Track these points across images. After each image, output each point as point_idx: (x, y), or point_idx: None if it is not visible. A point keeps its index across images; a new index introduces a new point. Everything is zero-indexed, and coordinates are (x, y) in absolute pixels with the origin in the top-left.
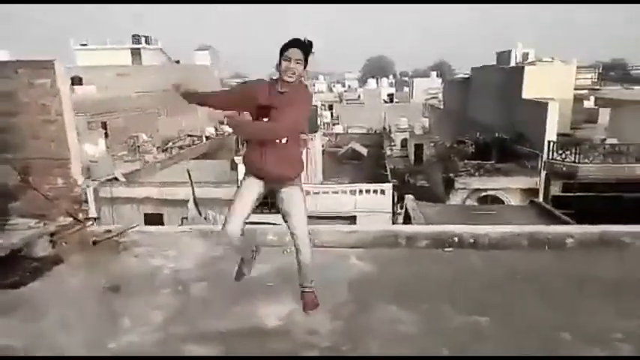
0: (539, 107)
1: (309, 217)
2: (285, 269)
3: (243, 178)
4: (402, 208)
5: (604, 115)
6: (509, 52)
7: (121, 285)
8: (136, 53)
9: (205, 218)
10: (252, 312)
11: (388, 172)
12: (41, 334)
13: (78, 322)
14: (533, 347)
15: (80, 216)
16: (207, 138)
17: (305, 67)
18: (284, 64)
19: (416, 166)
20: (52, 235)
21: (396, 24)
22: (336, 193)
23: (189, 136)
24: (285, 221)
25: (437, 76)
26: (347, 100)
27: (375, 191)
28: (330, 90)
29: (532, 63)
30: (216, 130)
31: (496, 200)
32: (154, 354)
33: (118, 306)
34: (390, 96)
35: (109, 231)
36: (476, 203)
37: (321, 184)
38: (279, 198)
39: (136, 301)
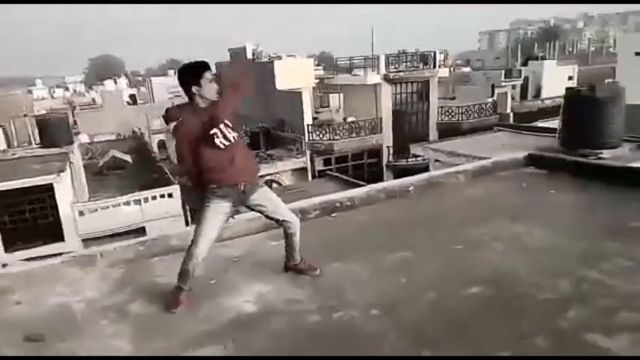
0: (294, 96)
1: (91, 238)
2: (210, 267)
3: (205, 204)
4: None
5: (334, 100)
6: (244, 48)
7: (42, 333)
8: None
9: None
10: (222, 307)
11: (169, 175)
12: None
13: None
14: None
15: None
16: None
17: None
18: (209, 85)
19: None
20: None
21: (116, 21)
22: (118, 205)
23: None
24: (270, 216)
25: (174, 73)
26: (80, 105)
27: (163, 195)
28: (52, 96)
29: (278, 58)
30: None
31: (275, 183)
32: None
33: (74, 349)
34: (133, 97)
35: None
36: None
37: (90, 200)
38: (254, 204)
39: (84, 340)
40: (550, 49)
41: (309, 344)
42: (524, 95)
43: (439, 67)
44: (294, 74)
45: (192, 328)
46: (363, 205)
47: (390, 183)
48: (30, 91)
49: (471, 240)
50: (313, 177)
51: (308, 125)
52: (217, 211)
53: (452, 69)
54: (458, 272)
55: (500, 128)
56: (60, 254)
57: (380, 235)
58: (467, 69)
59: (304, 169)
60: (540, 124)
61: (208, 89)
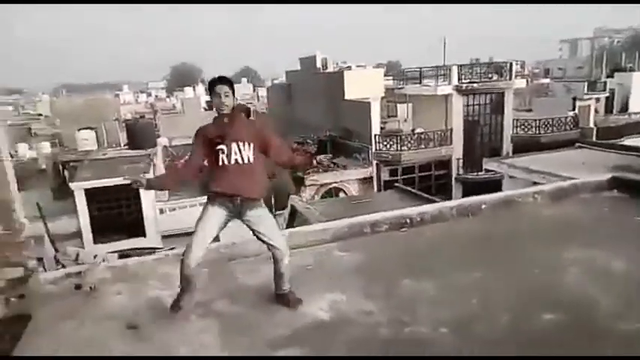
0: (362, 106)
1: (170, 235)
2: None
3: (206, 208)
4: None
5: (402, 110)
6: (314, 57)
7: (137, 323)
8: None
9: (65, 255)
10: (298, 312)
11: None
12: None
13: None
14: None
15: (31, 264)
16: None
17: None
18: (216, 99)
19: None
20: (1, 292)
21: (198, 30)
22: (194, 206)
23: None
24: (261, 238)
25: (247, 81)
26: (162, 110)
27: None
28: (137, 101)
29: (348, 68)
30: (11, 156)
31: (339, 191)
32: None
33: (165, 340)
34: (209, 103)
35: (71, 274)
36: (324, 196)
37: (169, 200)
38: (249, 221)
39: (175, 332)
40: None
41: (383, 355)
42: (609, 109)
43: (515, 77)
44: (364, 84)
45: (272, 330)
46: (433, 221)
47: (462, 200)
48: (117, 96)
49: (548, 264)
50: (379, 187)
51: (375, 135)
52: (213, 215)
53: (529, 80)
54: (533, 296)
55: (581, 145)
56: (142, 249)
57: (451, 253)
58: (546, 80)
59: (370, 178)
60: (626, 141)
61: (215, 102)
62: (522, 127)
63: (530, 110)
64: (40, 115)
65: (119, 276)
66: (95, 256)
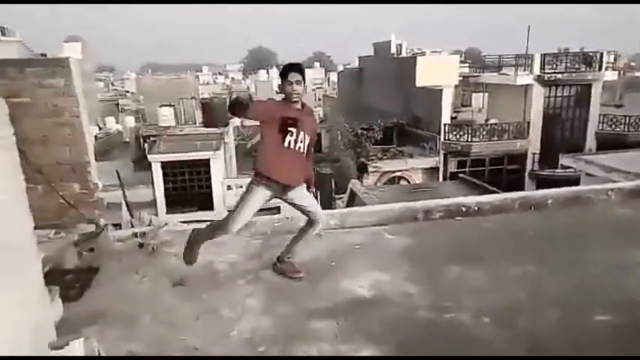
0: (434, 94)
1: (231, 211)
2: (332, 250)
3: (252, 186)
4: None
5: (477, 99)
6: (389, 43)
7: (185, 281)
8: None
9: (139, 220)
10: (339, 287)
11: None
12: (167, 334)
13: (187, 321)
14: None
15: (102, 222)
16: (95, 138)
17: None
18: (287, 87)
19: (316, 154)
20: (75, 244)
21: (271, 16)
22: None
23: None
24: (304, 211)
25: (320, 66)
26: (237, 92)
27: None
28: (215, 82)
29: (422, 54)
30: (99, 128)
31: (403, 180)
32: (281, 335)
33: (212, 300)
34: (280, 87)
35: (137, 234)
36: (386, 184)
37: (237, 177)
38: (290, 198)
39: (222, 294)
40: None
41: (415, 337)
42: None
43: (605, 69)
44: (437, 71)
45: (312, 301)
46: (492, 212)
47: (526, 193)
48: (197, 77)
49: (611, 264)
50: (444, 178)
51: (445, 124)
52: (260, 195)
53: (622, 72)
54: (588, 295)
55: None
56: (207, 221)
57: (506, 245)
58: None
59: (436, 169)
60: None
61: (287, 89)
62: (609, 123)
63: (620, 106)
64: (127, 91)
65: (179, 239)
66: (165, 223)
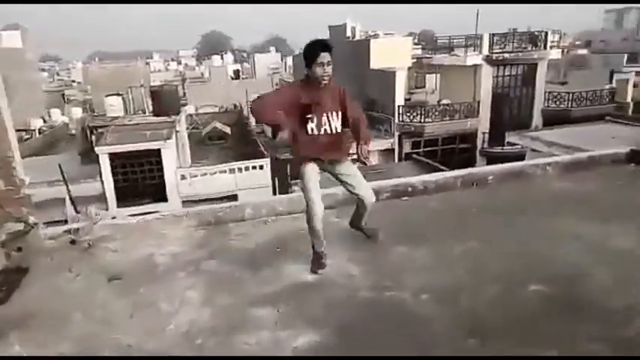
0: (387, 76)
1: (190, 201)
2: (279, 236)
3: (305, 169)
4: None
5: (430, 81)
6: (344, 26)
7: (122, 277)
8: None
9: (86, 215)
10: (283, 274)
11: (262, 148)
12: (100, 332)
13: (121, 317)
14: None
15: (31, 220)
16: (40, 132)
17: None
18: (318, 69)
19: (275, 140)
20: (2, 245)
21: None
22: (214, 173)
23: (16, 130)
24: (350, 190)
25: (276, 51)
26: (190, 78)
27: (254, 167)
28: (167, 69)
29: (376, 36)
30: (44, 121)
31: (359, 162)
32: (220, 325)
33: (149, 294)
34: (236, 72)
35: (70, 231)
36: None
37: (191, 166)
38: (339, 173)
39: (161, 287)
40: None
41: (356, 317)
42: None
43: (550, 48)
44: (390, 53)
45: (254, 289)
46: (437, 191)
47: (468, 170)
48: (147, 64)
49: (549, 236)
50: (400, 159)
51: (399, 106)
52: (313, 172)
53: (566, 51)
54: (526, 268)
55: (611, 119)
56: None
57: (450, 223)
58: (583, 51)
59: (392, 150)
60: None
61: (317, 72)
62: (554, 100)
63: (565, 83)
64: (73, 81)
65: (117, 234)
66: (114, 217)
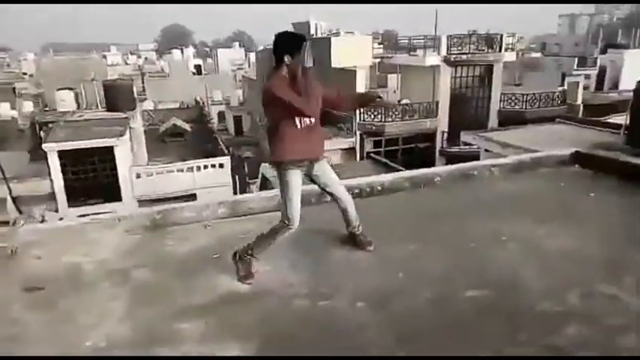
0: (348, 75)
1: (146, 200)
2: (219, 241)
3: (287, 174)
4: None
5: (392, 80)
6: (307, 23)
7: (44, 287)
8: None
9: (29, 216)
10: (216, 283)
11: (222, 146)
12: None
13: (35, 333)
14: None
15: None
16: None
17: None
18: (299, 59)
19: (237, 137)
20: None
21: None
22: (172, 172)
23: None
24: (325, 189)
25: (239, 46)
26: (149, 73)
27: (214, 165)
28: (126, 63)
29: (337, 34)
30: None
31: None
32: (141, 339)
33: (69, 306)
34: (198, 67)
35: None
36: None
37: (147, 165)
38: (315, 175)
39: (83, 299)
40: (636, 37)
41: (286, 329)
42: (599, 86)
43: (505, 50)
44: (351, 52)
45: (184, 300)
46: (385, 192)
47: (416, 172)
48: (104, 57)
49: (488, 238)
50: (361, 158)
51: None
52: (296, 178)
53: (520, 53)
54: (463, 272)
55: (562, 120)
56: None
57: (393, 225)
58: (537, 54)
59: (353, 149)
60: (613, 119)
61: (302, 58)
62: (509, 101)
63: (519, 85)
64: (25, 74)
65: (44, 240)
66: (61, 219)
